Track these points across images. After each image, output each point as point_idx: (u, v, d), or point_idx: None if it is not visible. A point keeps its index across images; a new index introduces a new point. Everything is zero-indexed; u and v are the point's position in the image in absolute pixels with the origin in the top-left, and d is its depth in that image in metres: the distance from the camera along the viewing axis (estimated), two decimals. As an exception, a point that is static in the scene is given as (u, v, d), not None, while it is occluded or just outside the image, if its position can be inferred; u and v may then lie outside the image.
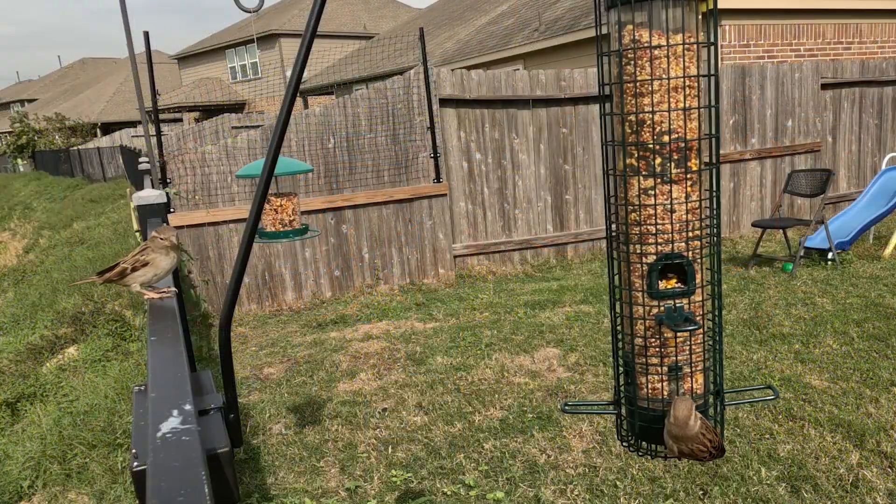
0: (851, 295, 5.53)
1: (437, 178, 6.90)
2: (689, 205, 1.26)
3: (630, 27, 1.22)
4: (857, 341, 4.55)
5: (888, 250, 6.66)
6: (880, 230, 7.45)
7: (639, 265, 1.32)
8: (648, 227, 1.28)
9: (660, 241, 1.27)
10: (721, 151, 6.64)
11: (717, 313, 1.35)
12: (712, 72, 1.25)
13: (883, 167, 7.80)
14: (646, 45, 1.21)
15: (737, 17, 9.51)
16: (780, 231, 7.32)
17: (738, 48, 9.61)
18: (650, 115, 1.24)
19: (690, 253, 1.28)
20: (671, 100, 1.23)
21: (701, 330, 1.32)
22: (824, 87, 8.45)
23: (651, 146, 1.25)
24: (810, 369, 4.16)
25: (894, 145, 9.13)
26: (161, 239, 1.80)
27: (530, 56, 12.78)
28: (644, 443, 1.38)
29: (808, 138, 8.47)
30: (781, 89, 8.21)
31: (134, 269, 1.78)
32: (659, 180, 1.26)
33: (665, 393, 1.34)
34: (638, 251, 1.31)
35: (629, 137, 1.28)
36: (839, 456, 3.16)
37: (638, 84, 1.23)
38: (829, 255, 6.44)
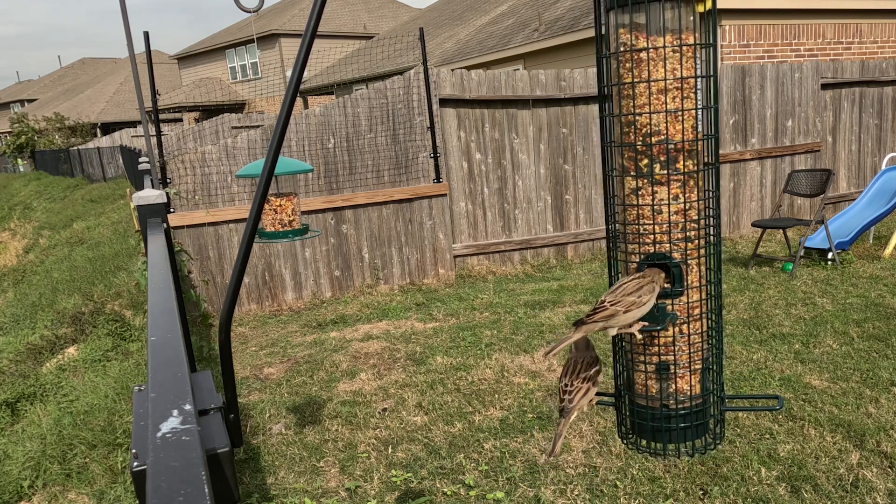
0: (851, 295, 5.53)
1: (437, 178, 6.90)
2: (677, 206, 1.26)
3: (629, 28, 1.22)
4: (857, 341, 4.55)
5: (888, 250, 6.66)
6: (880, 230, 7.45)
7: (626, 265, 1.34)
8: (635, 227, 1.30)
9: (645, 241, 1.29)
10: (721, 151, 6.64)
11: (717, 313, 1.35)
12: (710, 73, 1.25)
13: (883, 167, 7.81)
14: (644, 46, 1.21)
15: (737, 17, 9.51)
16: (780, 231, 7.32)
17: (738, 48, 9.61)
18: (644, 117, 1.24)
19: (679, 254, 1.28)
20: (665, 101, 1.23)
21: (688, 330, 1.33)
22: (824, 87, 8.45)
23: (640, 147, 1.25)
24: (810, 369, 4.16)
25: (894, 145, 9.13)
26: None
27: (530, 56, 12.78)
28: (643, 440, 1.39)
29: (808, 138, 8.47)
30: (781, 89, 8.21)
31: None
32: (645, 181, 1.27)
33: (654, 390, 1.35)
34: (627, 251, 1.32)
35: (623, 138, 1.29)
36: (839, 456, 3.16)
37: (633, 85, 1.24)
38: (829, 255, 6.44)
